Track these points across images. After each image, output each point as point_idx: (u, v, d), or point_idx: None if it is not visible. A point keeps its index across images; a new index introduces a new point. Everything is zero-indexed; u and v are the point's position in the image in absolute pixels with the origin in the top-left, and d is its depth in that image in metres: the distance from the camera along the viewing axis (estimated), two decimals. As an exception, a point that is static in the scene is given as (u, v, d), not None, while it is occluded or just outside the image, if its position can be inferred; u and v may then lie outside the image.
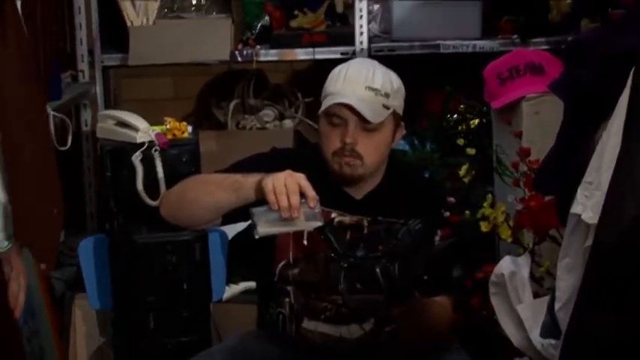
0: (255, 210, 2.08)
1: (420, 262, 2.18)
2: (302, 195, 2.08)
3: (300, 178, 2.07)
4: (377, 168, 2.32)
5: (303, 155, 2.52)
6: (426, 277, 2.15)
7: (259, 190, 2.12)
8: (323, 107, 2.29)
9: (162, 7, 3.44)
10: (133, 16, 3.40)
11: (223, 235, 2.66)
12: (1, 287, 1.93)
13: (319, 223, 2.16)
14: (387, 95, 2.25)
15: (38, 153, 2.02)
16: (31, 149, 1.92)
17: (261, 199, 2.13)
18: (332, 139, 2.28)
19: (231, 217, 2.30)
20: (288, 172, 2.08)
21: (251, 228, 2.16)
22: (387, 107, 2.23)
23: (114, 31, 3.49)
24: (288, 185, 2.07)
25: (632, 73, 1.41)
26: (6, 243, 1.74)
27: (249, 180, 2.15)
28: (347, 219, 2.29)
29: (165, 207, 2.38)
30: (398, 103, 2.28)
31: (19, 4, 2.16)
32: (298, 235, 2.23)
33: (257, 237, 2.16)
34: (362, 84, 2.25)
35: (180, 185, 2.38)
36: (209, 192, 2.30)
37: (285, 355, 2.34)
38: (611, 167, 1.42)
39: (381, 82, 2.27)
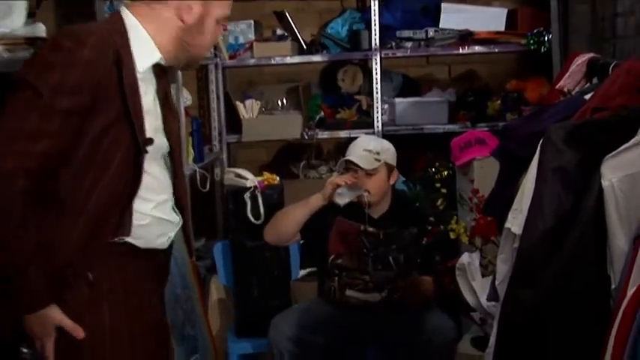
0: (335, 193, 2.74)
1: (415, 254, 2.82)
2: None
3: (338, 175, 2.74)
4: (381, 198, 2.83)
5: None
6: (419, 261, 2.81)
7: (324, 194, 2.76)
8: (342, 162, 2.91)
9: (261, 107, 4.08)
10: (243, 112, 4.07)
11: (299, 246, 3.16)
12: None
13: (362, 190, 2.73)
14: (377, 153, 2.80)
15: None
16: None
17: (324, 204, 2.76)
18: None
19: (304, 234, 2.90)
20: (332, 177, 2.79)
21: (314, 240, 2.86)
22: (378, 160, 2.80)
23: (233, 121, 4.18)
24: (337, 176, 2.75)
25: (539, 144, 1.59)
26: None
27: (312, 197, 2.80)
28: (371, 229, 2.84)
29: (267, 235, 2.92)
30: (387, 157, 2.82)
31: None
32: (342, 239, 2.81)
33: (341, 205, 2.73)
34: (360, 148, 2.85)
35: (273, 217, 2.92)
36: (291, 213, 2.87)
37: (335, 312, 2.87)
38: (528, 200, 1.58)
39: (373, 146, 2.83)
